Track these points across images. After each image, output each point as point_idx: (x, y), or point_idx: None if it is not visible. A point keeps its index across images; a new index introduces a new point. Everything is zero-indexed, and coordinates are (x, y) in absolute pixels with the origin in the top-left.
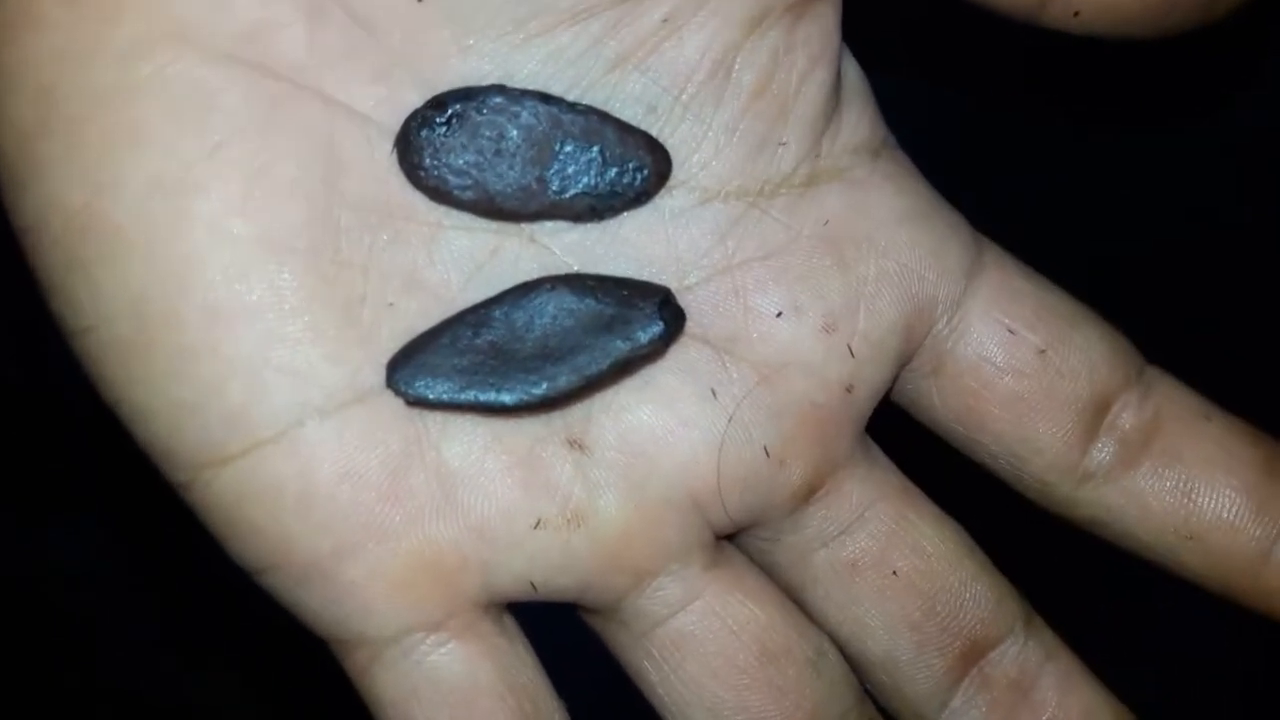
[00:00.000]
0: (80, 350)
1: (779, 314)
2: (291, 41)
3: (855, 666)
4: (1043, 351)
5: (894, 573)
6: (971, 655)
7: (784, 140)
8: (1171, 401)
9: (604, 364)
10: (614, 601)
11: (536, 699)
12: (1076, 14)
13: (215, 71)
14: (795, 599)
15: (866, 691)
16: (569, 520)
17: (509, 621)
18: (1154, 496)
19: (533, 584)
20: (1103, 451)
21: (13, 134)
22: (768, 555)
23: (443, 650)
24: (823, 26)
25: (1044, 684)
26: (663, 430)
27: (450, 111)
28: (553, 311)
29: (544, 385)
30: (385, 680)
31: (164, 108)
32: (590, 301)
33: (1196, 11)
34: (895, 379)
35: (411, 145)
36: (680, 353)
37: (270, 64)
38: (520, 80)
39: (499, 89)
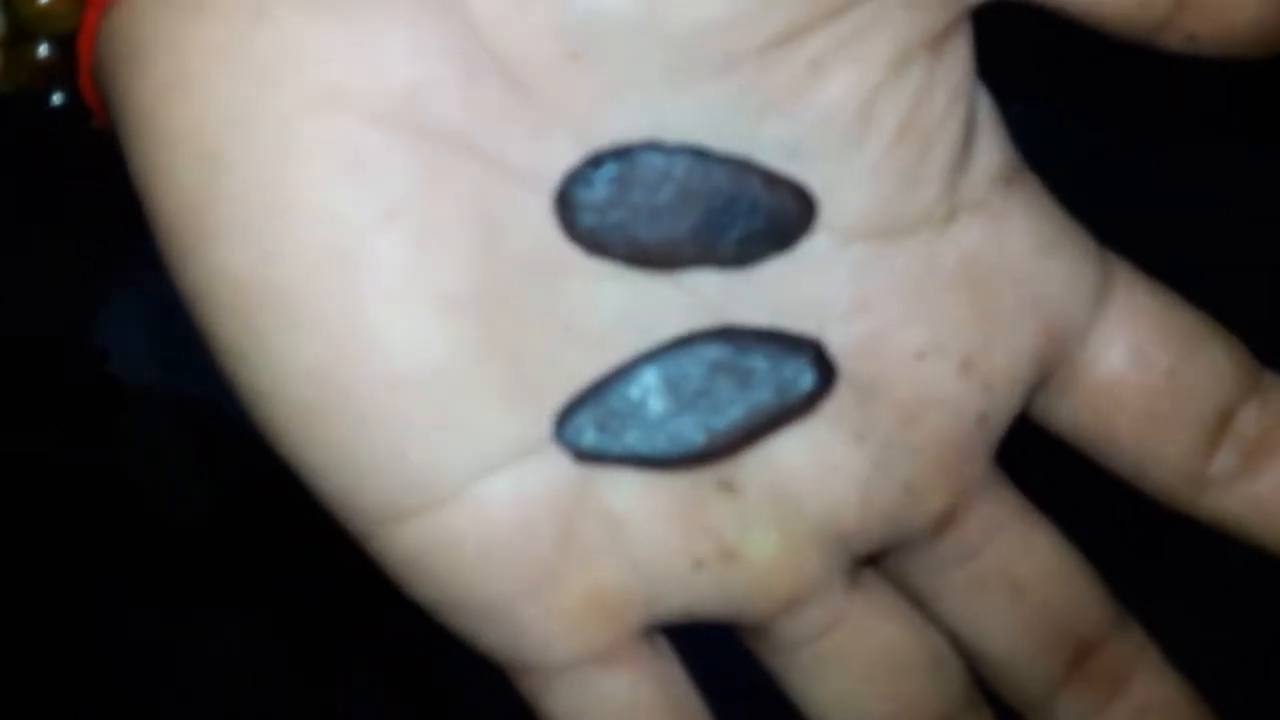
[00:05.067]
0: (255, 413)
1: (919, 354)
2: (449, 102)
3: (974, 660)
4: (1171, 372)
5: (1017, 588)
6: (1080, 656)
7: (924, 177)
8: None
9: (759, 419)
10: (763, 624)
11: (692, 713)
12: (1192, 38)
13: (377, 134)
14: (921, 603)
15: (983, 684)
16: (723, 559)
17: (663, 642)
18: (1276, 503)
19: (689, 613)
20: (1226, 459)
21: (177, 200)
22: (899, 568)
23: (609, 677)
24: (960, 61)
25: (1138, 678)
26: (810, 474)
27: (607, 169)
28: (708, 366)
29: (702, 439)
30: (557, 703)
31: (330, 173)
32: (744, 356)
33: None
34: (1026, 402)
35: (569, 203)
36: (826, 400)
37: (429, 124)
38: (670, 130)
39: (653, 146)
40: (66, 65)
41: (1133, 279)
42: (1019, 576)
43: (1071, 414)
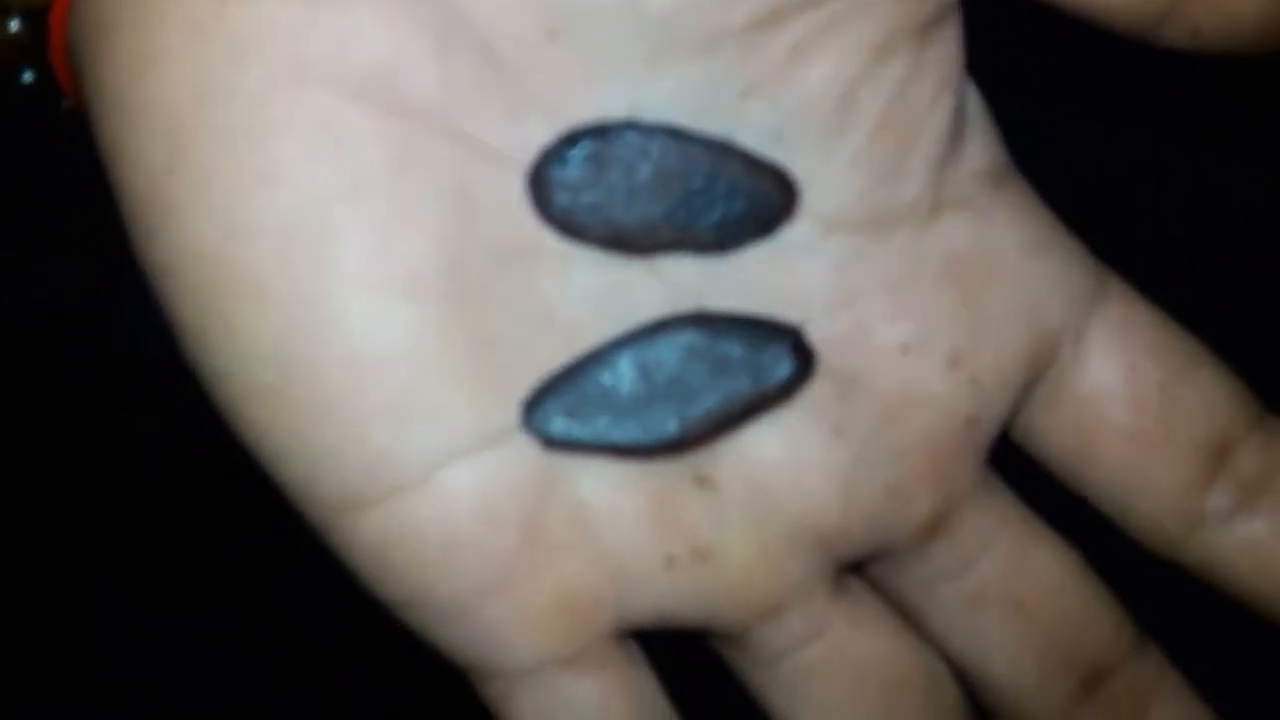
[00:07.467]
0: (214, 393)
1: (904, 349)
2: (423, 78)
3: (979, 687)
4: (1163, 387)
5: (1018, 604)
6: (1093, 680)
7: (909, 169)
8: None
9: (734, 407)
10: (740, 632)
11: None
12: (1196, 32)
13: (346, 110)
14: (916, 622)
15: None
16: (697, 557)
17: (633, 648)
18: (1270, 547)
19: (661, 616)
20: (1221, 497)
21: (142, 174)
22: (890, 582)
23: (577, 682)
24: (947, 52)
25: (1159, 705)
26: (787, 469)
27: (583, 147)
28: (682, 352)
29: (675, 427)
30: (522, 710)
31: (296, 149)
32: (720, 342)
33: None
34: (1016, 409)
35: (544, 182)
36: (804, 389)
37: (401, 101)
38: (649, 111)
39: (631, 124)
40: (38, 42)
41: (1125, 291)
42: (1019, 591)
43: (1057, 429)
